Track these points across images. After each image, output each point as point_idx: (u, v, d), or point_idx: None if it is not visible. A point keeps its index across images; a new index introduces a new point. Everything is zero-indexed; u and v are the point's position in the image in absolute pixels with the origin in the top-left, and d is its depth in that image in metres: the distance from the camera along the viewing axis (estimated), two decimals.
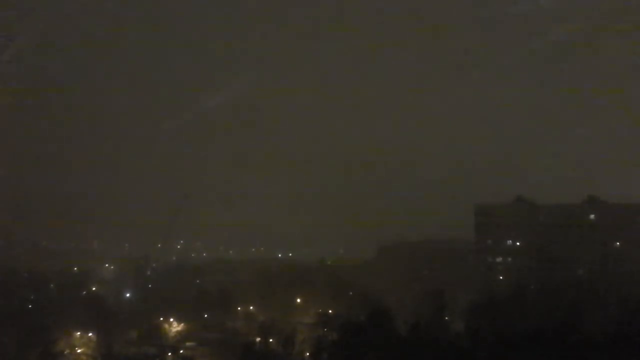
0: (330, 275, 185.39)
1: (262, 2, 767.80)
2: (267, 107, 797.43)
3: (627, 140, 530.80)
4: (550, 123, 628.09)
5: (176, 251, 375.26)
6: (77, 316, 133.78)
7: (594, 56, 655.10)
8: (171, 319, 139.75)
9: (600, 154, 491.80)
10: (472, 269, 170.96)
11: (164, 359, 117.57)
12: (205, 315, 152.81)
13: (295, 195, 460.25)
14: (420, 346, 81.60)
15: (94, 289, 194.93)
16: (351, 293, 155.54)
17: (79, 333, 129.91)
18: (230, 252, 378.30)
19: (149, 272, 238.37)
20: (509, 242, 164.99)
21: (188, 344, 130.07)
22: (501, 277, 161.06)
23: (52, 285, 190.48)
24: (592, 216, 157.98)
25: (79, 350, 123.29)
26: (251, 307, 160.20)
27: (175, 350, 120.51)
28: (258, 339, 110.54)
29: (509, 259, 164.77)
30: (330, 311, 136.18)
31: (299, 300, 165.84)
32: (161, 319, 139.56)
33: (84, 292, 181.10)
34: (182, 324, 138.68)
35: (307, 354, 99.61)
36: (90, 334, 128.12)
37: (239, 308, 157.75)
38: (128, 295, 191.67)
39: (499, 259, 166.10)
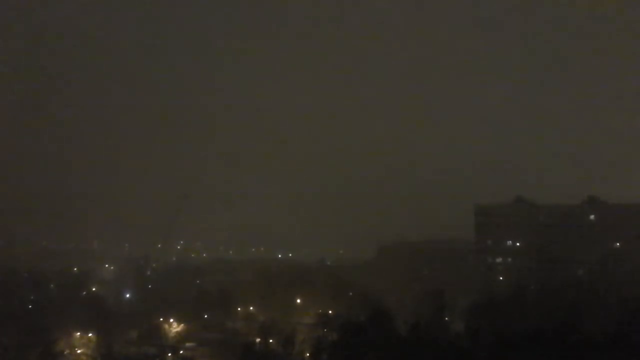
0: (330, 276, 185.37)
1: (263, 1, 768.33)
2: (268, 107, 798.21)
3: (627, 140, 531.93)
4: (550, 123, 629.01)
5: (176, 251, 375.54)
6: (77, 316, 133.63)
7: (594, 56, 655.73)
8: (171, 319, 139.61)
9: (600, 154, 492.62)
10: (472, 269, 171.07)
11: (163, 359, 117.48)
12: (205, 316, 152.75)
13: (295, 195, 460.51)
14: (420, 346, 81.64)
15: (94, 289, 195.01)
16: (351, 293, 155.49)
17: (78, 333, 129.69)
18: (230, 252, 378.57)
19: (149, 272, 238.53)
20: (509, 242, 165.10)
21: (188, 344, 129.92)
22: (501, 277, 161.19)
23: (52, 285, 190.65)
24: (592, 216, 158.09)
25: (79, 351, 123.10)
26: (251, 308, 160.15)
27: (175, 351, 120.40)
28: (258, 340, 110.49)
29: (509, 259, 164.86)
30: (330, 311, 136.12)
31: (299, 300, 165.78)
32: (161, 319, 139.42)
33: (84, 292, 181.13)
34: (182, 324, 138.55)
35: (307, 354, 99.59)
36: (90, 334, 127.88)
37: (239, 308, 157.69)
38: (128, 295, 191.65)
39: (499, 259, 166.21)
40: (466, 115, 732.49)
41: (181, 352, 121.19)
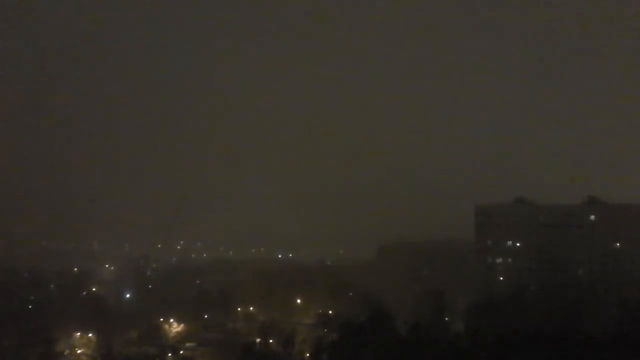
0: (330, 276, 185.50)
1: (263, 1, 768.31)
2: (268, 107, 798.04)
3: (627, 140, 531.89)
4: (550, 123, 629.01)
5: (176, 251, 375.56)
6: (77, 316, 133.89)
7: (594, 56, 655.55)
8: (171, 320, 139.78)
9: (600, 154, 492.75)
10: (472, 269, 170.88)
11: (164, 359, 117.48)
12: (206, 316, 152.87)
13: (295, 196, 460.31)
14: (420, 346, 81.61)
15: (94, 289, 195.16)
16: (351, 293, 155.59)
17: (79, 333, 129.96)
18: (230, 252, 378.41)
19: (149, 273, 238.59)
20: (509, 242, 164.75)
21: (188, 344, 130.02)
22: (501, 278, 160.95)
23: (52, 285, 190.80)
24: (592, 217, 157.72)
25: (79, 351, 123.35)
26: (251, 308, 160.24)
27: (175, 351, 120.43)
28: (258, 340, 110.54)
29: (509, 260, 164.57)
30: (330, 311, 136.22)
31: (299, 300, 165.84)
32: (161, 319, 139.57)
33: (84, 293, 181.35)
34: (182, 325, 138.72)
35: (307, 354, 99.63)
36: (90, 334, 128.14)
37: (239, 308, 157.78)
38: (128, 295, 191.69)
39: (499, 260, 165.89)
40: (466, 115, 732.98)
41: (181, 352, 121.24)
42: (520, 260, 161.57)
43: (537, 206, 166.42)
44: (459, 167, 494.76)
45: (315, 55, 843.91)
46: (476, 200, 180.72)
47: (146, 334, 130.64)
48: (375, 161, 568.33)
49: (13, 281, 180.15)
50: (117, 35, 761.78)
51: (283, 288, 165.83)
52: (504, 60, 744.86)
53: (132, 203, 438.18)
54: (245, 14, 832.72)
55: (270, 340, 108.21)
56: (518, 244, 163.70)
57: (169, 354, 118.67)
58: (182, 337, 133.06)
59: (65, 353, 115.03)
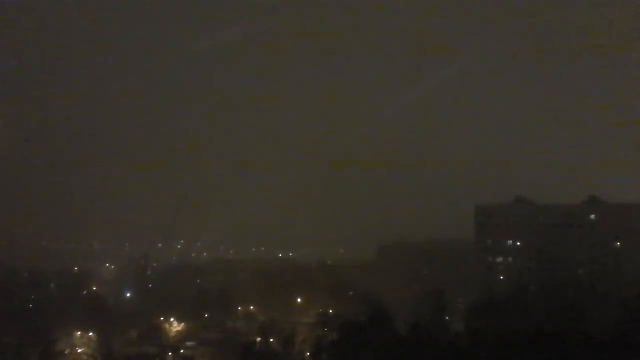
0: (330, 276, 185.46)
1: (261, 4, 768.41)
2: (268, 107, 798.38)
3: (627, 140, 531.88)
4: (550, 123, 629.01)
5: (176, 251, 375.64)
6: (77, 316, 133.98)
7: (594, 56, 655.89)
8: (172, 319, 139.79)
9: (600, 154, 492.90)
10: (472, 269, 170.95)
11: (164, 359, 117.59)
12: (206, 315, 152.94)
13: (296, 195, 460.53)
14: (420, 346, 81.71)
15: (94, 289, 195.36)
16: (351, 293, 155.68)
17: (79, 333, 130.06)
18: (231, 252, 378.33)
19: (149, 272, 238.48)
20: (509, 242, 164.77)
21: (188, 343, 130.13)
22: (501, 278, 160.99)
23: (52, 285, 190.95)
24: (592, 216, 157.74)
25: (79, 350, 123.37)
26: (251, 307, 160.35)
27: (175, 350, 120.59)
28: (258, 339, 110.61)
29: (509, 260, 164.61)
30: (330, 311, 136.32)
31: (299, 300, 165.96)
32: (162, 318, 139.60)
33: (85, 292, 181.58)
34: (183, 324, 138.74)
35: (308, 354, 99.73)
36: (90, 334, 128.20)
37: (239, 308, 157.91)
38: (128, 295, 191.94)
39: (499, 259, 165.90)
40: (466, 115, 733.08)
41: (182, 351, 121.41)
42: (520, 260, 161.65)
43: (537, 206, 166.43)
44: (459, 167, 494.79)
45: (315, 55, 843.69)
46: (476, 200, 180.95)
47: (146, 334, 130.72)
48: (376, 161, 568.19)
49: (13, 281, 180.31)
50: (117, 35, 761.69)
51: (283, 288, 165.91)
52: (504, 60, 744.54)
53: (132, 203, 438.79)
54: (246, 14, 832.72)
55: (271, 340, 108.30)
56: (518, 244, 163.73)
57: (170, 354, 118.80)
58: (183, 337, 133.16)
59: (65, 352, 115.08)
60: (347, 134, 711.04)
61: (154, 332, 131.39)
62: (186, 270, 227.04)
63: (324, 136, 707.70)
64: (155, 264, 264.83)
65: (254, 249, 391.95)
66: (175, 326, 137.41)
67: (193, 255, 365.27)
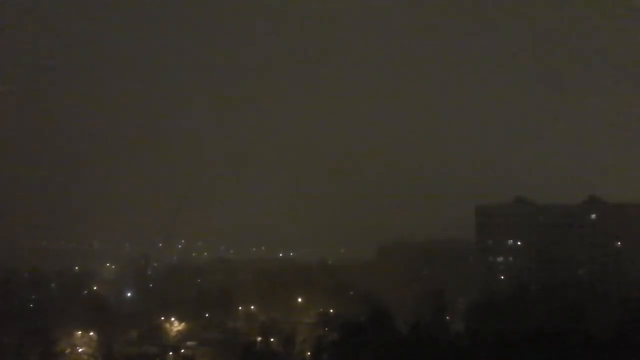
0: (330, 275, 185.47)
1: (262, 4, 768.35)
2: (268, 107, 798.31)
3: (627, 140, 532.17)
4: (550, 123, 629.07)
5: (177, 251, 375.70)
6: (78, 316, 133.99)
7: (594, 56, 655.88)
8: (172, 319, 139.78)
9: (600, 154, 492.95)
10: (472, 269, 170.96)
11: (164, 359, 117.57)
12: (206, 315, 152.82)
13: (296, 195, 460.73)
14: (420, 346, 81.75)
15: (95, 288, 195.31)
16: (352, 293, 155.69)
17: (79, 332, 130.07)
18: (231, 251, 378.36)
19: (149, 272, 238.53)
20: (510, 242, 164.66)
21: (189, 343, 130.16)
22: (501, 278, 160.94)
23: (53, 285, 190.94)
24: (592, 216, 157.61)
25: (80, 350, 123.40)
26: (252, 307, 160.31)
27: (176, 350, 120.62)
28: (259, 339, 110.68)
29: (510, 259, 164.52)
30: (330, 311, 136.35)
31: (299, 300, 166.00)
32: (162, 318, 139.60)
33: (85, 292, 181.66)
34: (183, 324, 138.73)
35: (308, 353, 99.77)
36: (91, 334, 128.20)
37: (239, 308, 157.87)
38: (129, 294, 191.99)
39: (500, 259, 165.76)
40: (466, 115, 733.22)
41: (182, 351, 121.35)
42: (520, 260, 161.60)
43: (537, 206, 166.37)
44: (459, 167, 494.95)
45: (315, 55, 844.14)
46: (476, 200, 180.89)
47: (147, 333, 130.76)
48: (375, 161, 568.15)
49: (14, 281, 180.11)
50: (117, 35, 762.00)
51: (283, 287, 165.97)
52: (504, 60, 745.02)
53: (132, 203, 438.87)
54: (246, 13, 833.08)
55: (271, 340, 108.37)
56: (518, 244, 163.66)
57: (170, 353, 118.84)
58: (183, 337, 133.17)
59: (66, 352, 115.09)
60: (347, 134, 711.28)
61: (154, 331, 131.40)
62: (186, 270, 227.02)
63: (324, 136, 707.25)
64: (155, 264, 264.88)
65: (254, 249, 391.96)
66: (176, 326, 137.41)
67: (193, 255, 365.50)
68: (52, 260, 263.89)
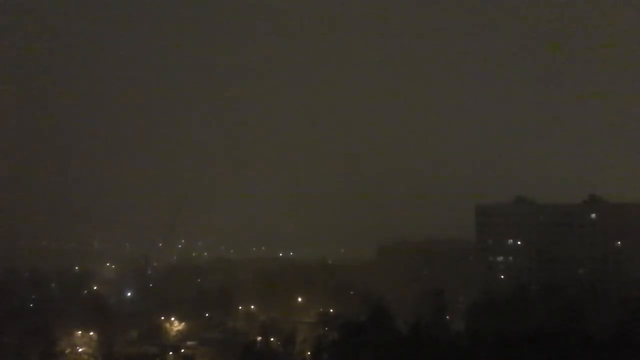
0: (330, 275, 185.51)
1: (261, 5, 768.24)
2: (268, 107, 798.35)
3: (627, 140, 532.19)
4: (550, 123, 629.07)
5: (177, 251, 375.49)
6: (78, 315, 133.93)
7: (594, 56, 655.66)
8: (172, 319, 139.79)
9: (600, 154, 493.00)
10: (472, 268, 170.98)
11: (165, 358, 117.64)
12: (206, 315, 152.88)
13: (296, 195, 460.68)
14: (420, 346, 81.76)
15: (95, 288, 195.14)
16: (352, 292, 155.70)
17: (80, 332, 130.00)
18: (231, 251, 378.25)
19: (149, 272, 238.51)
20: (510, 241, 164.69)
21: (189, 343, 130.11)
22: (502, 277, 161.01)
23: (53, 284, 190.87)
24: (592, 216, 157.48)
25: (80, 350, 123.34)
26: (252, 307, 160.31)
27: (176, 350, 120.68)
28: (259, 338, 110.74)
29: (510, 259, 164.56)
30: (330, 311, 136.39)
31: (299, 299, 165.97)
32: (162, 318, 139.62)
33: (85, 292, 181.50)
34: (183, 324, 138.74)
35: (308, 353, 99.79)
36: (91, 333, 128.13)
37: (239, 307, 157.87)
38: (129, 294, 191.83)
39: (500, 259, 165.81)
40: (466, 115, 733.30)
41: (182, 350, 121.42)
42: (520, 260, 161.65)
43: (537, 205, 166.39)
44: (459, 167, 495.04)
45: (316, 55, 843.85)
46: (476, 200, 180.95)
47: (147, 333, 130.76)
48: (375, 161, 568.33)
49: (14, 280, 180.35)
50: (117, 35, 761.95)
51: (284, 287, 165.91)
52: (504, 60, 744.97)
53: (133, 203, 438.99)
54: (247, 13, 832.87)
55: (271, 339, 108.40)
56: (518, 243, 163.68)
57: (170, 353, 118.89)
58: (183, 336, 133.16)
59: (66, 352, 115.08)
60: (347, 134, 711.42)
61: (155, 331, 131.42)
62: (186, 270, 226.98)
63: (325, 136, 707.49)
64: (155, 264, 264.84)
65: (254, 249, 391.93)
66: (176, 326, 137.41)
67: (193, 254, 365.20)
68: (52, 260, 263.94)
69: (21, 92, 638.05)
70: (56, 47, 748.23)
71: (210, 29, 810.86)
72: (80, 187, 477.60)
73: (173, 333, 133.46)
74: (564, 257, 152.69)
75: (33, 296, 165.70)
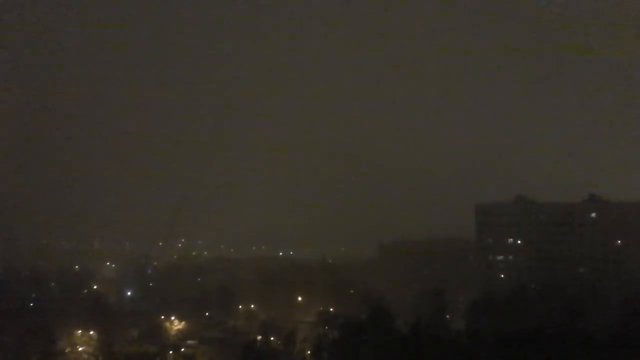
0: (331, 274, 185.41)
1: (261, 5, 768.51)
2: (268, 107, 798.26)
3: (627, 140, 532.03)
4: (550, 122, 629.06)
5: (177, 250, 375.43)
6: (78, 315, 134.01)
7: (594, 56, 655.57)
8: (172, 318, 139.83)
9: (600, 154, 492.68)
10: (472, 268, 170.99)
11: (165, 358, 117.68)
12: (207, 314, 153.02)
13: (297, 194, 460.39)
14: (420, 345, 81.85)
15: (95, 287, 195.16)
16: (352, 292, 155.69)
17: (80, 331, 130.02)
18: (231, 250, 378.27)
19: (150, 271, 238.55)
20: (510, 241, 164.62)
21: (189, 342, 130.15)
22: (502, 276, 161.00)
23: (53, 283, 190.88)
24: (592, 215, 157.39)
25: (80, 349, 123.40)
26: (252, 306, 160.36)
27: (176, 349, 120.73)
28: (259, 338, 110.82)
29: (510, 258, 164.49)
30: (331, 310, 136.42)
31: (300, 298, 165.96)
32: (162, 317, 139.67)
33: (85, 291, 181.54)
34: (183, 323, 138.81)
35: (308, 352, 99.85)
36: (91, 333, 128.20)
37: (240, 306, 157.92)
38: (129, 293, 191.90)
39: (500, 258, 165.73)
40: (466, 115, 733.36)
41: (182, 349, 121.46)
42: (520, 259, 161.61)
43: (537, 204, 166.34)
44: (459, 167, 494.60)
45: (316, 55, 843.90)
46: (476, 200, 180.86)
47: (147, 332, 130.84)
48: (376, 160, 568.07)
49: (14, 279, 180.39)
50: (118, 35, 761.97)
51: (284, 286, 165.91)
52: (504, 60, 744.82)
53: (133, 202, 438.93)
54: (248, 13, 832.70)
55: (271, 339, 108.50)
56: (518, 243, 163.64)
57: (170, 352, 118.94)
58: (183, 335, 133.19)
59: (66, 351, 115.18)
60: (347, 133, 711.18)
61: (155, 330, 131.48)
62: (187, 269, 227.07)
63: (325, 135, 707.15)
64: (155, 263, 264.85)
65: (254, 248, 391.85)
66: (176, 325, 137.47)
67: (193, 254, 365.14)
68: (52, 260, 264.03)
69: (21, 92, 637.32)
70: (56, 47, 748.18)
71: (210, 29, 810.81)
72: (80, 187, 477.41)
73: (173, 332, 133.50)
74: (563, 257, 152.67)
75: (33, 295, 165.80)
